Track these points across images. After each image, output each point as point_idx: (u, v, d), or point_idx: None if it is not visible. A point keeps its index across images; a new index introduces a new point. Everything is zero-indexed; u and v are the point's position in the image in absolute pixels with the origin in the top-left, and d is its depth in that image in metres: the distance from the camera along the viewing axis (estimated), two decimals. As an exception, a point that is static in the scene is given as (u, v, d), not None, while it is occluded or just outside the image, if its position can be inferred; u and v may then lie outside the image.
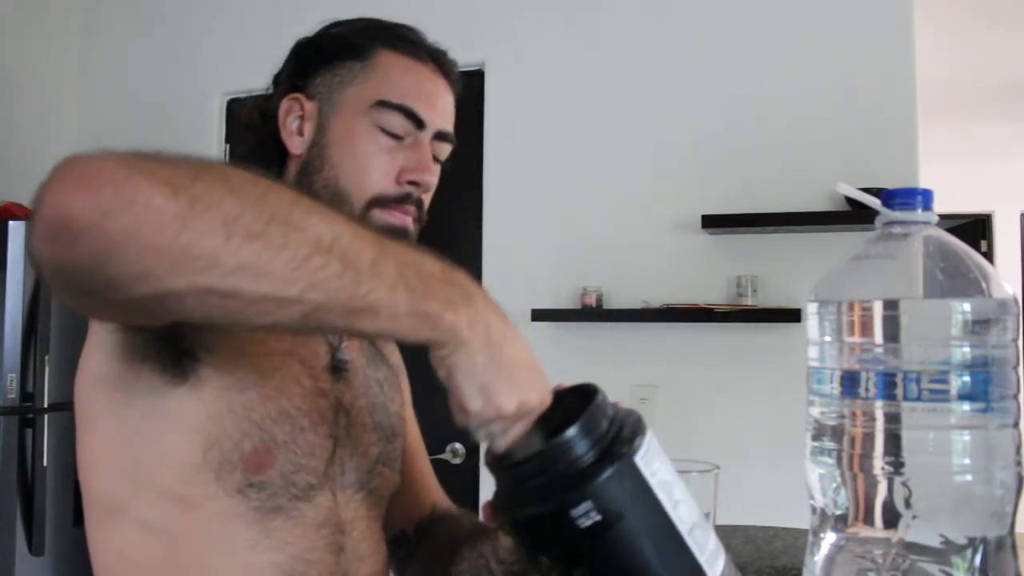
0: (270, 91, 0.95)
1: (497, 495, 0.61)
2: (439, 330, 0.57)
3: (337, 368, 0.90)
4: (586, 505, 0.54)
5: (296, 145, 0.91)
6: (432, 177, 0.89)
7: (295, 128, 0.91)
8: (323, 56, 0.92)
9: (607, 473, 0.55)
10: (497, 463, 0.60)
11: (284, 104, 0.92)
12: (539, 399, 0.60)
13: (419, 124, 0.89)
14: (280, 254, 0.51)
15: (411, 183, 0.88)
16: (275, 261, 0.51)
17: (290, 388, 0.83)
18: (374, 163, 0.87)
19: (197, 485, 0.77)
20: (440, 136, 0.92)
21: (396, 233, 0.86)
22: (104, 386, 0.79)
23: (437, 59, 0.93)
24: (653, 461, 0.57)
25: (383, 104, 0.88)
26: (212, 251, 0.50)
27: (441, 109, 0.92)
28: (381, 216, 0.87)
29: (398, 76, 0.90)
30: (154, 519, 0.78)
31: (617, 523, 0.55)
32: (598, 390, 0.59)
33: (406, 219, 0.88)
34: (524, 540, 0.59)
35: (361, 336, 0.71)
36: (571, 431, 0.56)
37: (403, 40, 0.92)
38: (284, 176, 0.93)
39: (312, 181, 0.89)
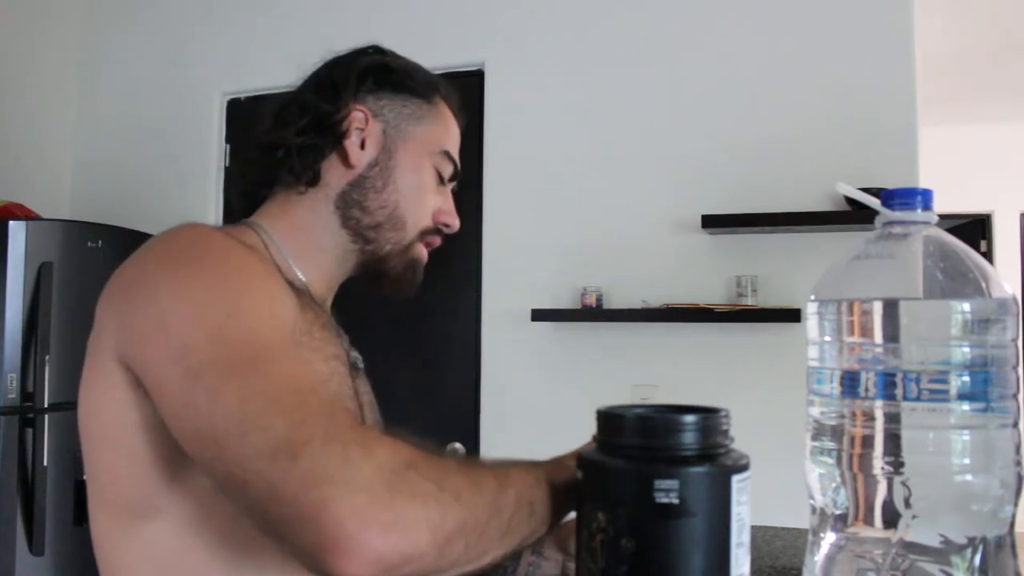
0: (305, 86, 0.97)
1: (595, 443, 0.63)
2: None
3: (356, 366, 0.96)
4: (672, 484, 0.56)
5: (356, 157, 0.94)
6: (459, 222, 1.01)
7: (357, 140, 0.94)
8: (394, 83, 0.97)
9: (705, 468, 0.58)
10: (610, 412, 0.62)
11: (353, 113, 0.94)
12: None
13: (454, 178, 1.00)
14: (500, 540, 0.64)
15: (444, 224, 0.99)
16: (493, 544, 0.63)
17: (344, 391, 0.88)
18: (429, 199, 0.97)
19: None
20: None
21: (422, 266, 1.00)
22: (119, 382, 0.76)
23: (460, 115, 1.03)
24: (743, 495, 0.59)
25: (446, 154, 0.98)
26: (458, 559, 0.61)
27: None
28: (420, 248, 0.98)
29: (453, 131, 1.01)
30: (197, 517, 0.77)
31: (686, 518, 0.56)
32: (725, 409, 0.63)
33: (425, 253, 0.99)
34: (595, 493, 0.60)
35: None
36: (692, 417, 0.60)
37: (455, 97, 1.02)
38: (320, 177, 0.93)
39: (367, 197, 0.93)
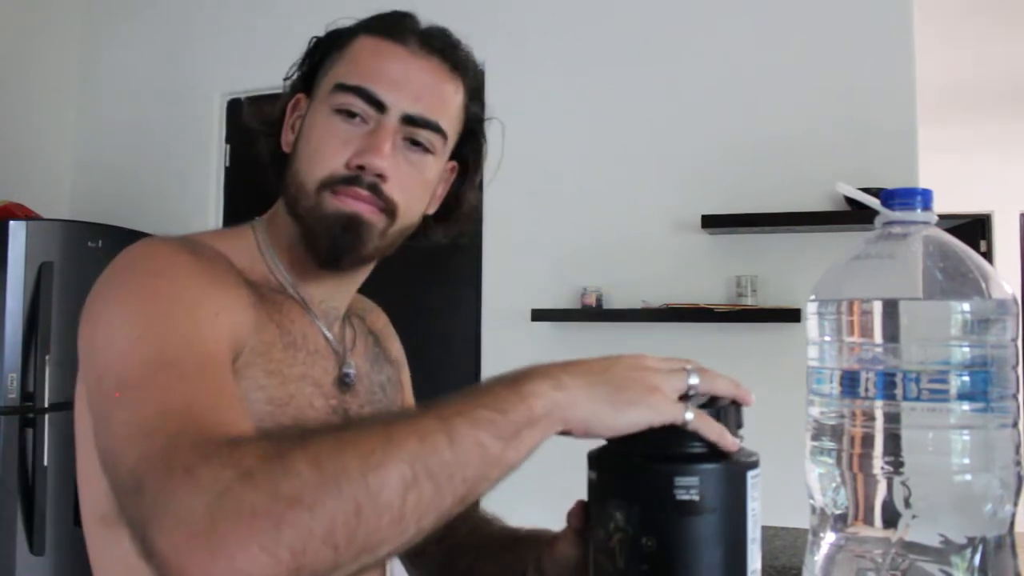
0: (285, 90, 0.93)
1: (611, 443, 0.61)
2: (540, 420, 0.57)
3: (344, 382, 0.90)
4: (692, 480, 0.56)
5: (287, 143, 0.89)
6: (379, 160, 0.81)
7: (291, 126, 0.89)
8: (323, 52, 0.89)
9: (723, 465, 0.58)
10: None
11: (290, 104, 0.90)
12: (671, 376, 0.60)
13: (379, 106, 0.82)
14: (381, 522, 0.53)
15: (359, 166, 0.82)
16: (380, 531, 0.53)
17: (306, 413, 0.83)
18: (326, 147, 0.82)
19: None
20: (410, 120, 0.83)
21: (345, 221, 0.82)
22: None
23: (427, 41, 0.86)
24: (756, 491, 0.59)
25: (340, 87, 0.83)
26: (331, 564, 0.52)
27: (414, 90, 0.83)
28: (331, 201, 0.82)
29: (364, 58, 0.84)
30: None
31: (707, 514, 0.56)
32: (739, 404, 0.62)
33: (358, 204, 0.82)
34: (613, 493, 0.59)
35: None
36: (711, 411, 0.59)
37: (385, 23, 0.86)
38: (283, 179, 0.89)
39: (287, 177, 0.86)
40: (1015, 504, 0.66)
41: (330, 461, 0.53)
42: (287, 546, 0.51)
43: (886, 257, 0.71)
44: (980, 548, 0.64)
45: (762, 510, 0.60)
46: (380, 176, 0.82)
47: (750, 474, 0.58)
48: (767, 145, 2.54)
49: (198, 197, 3.21)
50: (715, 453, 0.58)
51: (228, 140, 3.26)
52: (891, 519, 0.65)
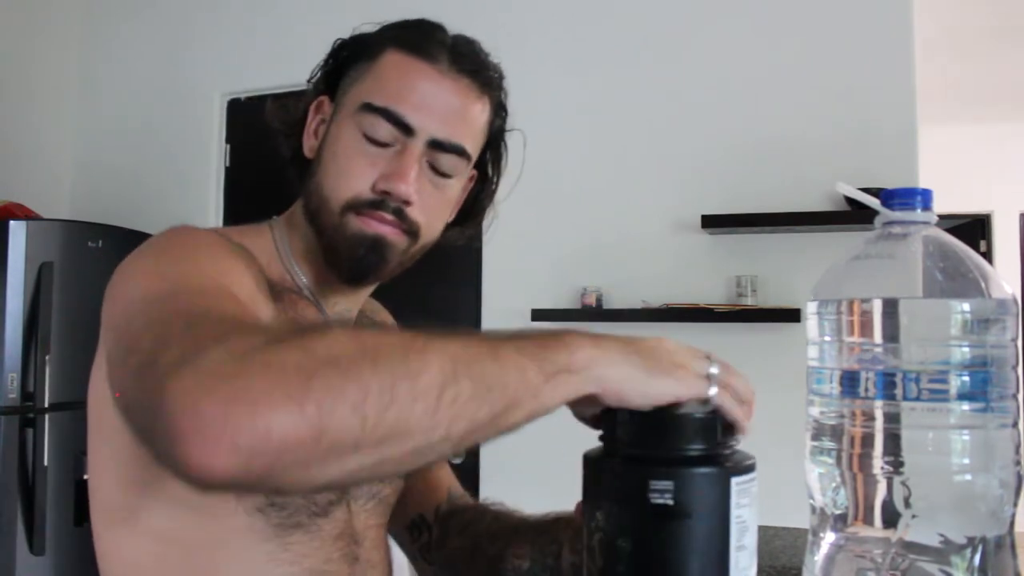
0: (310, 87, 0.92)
1: (602, 439, 0.61)
2: (578, 370, 0.56)
3: None
4: (667, 485, 0.55)
5: (310, 148, 0.88)
6: (405, 186, 0.81)
7: (314, 131, 0.89)
8: (348, 57, 0.88)
9: (701, 470, 0.56)
10: (611, 410, 0.60)
11: (313, 106, 0.89)
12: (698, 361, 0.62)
13: (406, 130, 0.82)
14: (414, 409, 0.50)
15: (384, 192, 0.82)
16: (412, 418, 0.51)
17: None
18: (351, 166, 0.82)
19: (215, 500, 0.76)
20: (437, 144, 0.83)
21: (369, 243, 0.83)
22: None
23: (457, 59, 0.84)
24: (744, 498, 0.57)
25: (367, 108, 0.82)
26: (354, 439, 0.49)
27: (441, 113, 0.83)
28: (356, 223, 0.82)
29: (391, 77, 0.83)
30: (168, 528, 0.77)
31: (682, 520, 0.55)
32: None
33: (382, 227, 0.83)
34: (594, 492, 0.59)
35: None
36: (691, 417, 0.58)
37: (414, 37, 0.85)
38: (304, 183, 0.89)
39: (308, 185, 0.86)
40: (1015, 504, 0.66)
41: (371, 339, 0.51)
42: (315, 399, 0.47)
43: (886, 257, 0.71)
44: (980, 548, 0.64)
45: (757, 515, 0.58)
46: (405, 202, 0.82)
47: (735, 480, 0.56)
48: (767, 145, 2.54)
49: (198, 197, 3.21)
50: (700, 457, 0.57)
51: (228, 140, 3.26)
52: (891, 519, 0.65)
